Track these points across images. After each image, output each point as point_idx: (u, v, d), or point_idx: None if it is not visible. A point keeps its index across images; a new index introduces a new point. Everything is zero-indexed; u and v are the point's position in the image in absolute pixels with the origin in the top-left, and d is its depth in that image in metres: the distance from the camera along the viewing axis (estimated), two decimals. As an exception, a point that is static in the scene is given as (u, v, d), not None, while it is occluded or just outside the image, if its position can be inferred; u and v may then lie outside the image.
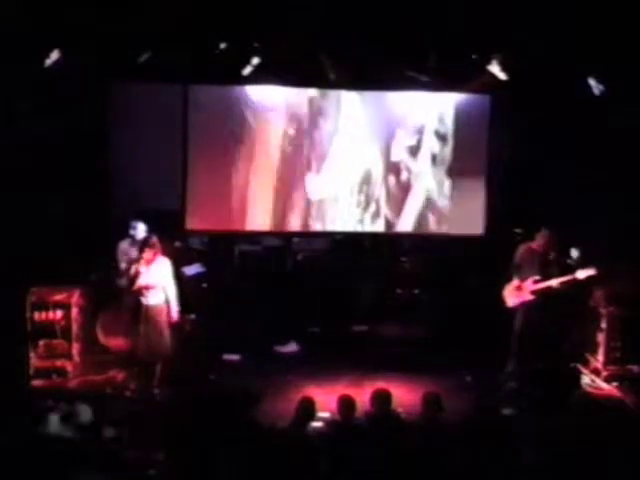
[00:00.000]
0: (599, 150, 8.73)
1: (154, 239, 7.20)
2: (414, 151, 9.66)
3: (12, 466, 4.64)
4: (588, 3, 7.14)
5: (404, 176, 9.69)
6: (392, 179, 9.69)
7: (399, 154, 9.65)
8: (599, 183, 8.79)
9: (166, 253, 7.34)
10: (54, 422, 5.26)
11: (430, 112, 9.64)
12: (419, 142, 9.66)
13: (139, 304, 7.16)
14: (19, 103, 7.96)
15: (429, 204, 9.72)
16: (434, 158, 9.68)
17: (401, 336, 8.82)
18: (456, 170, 9.67)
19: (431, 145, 9.67)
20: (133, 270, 7.10)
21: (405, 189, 9.70)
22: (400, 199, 9.70)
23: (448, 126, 9.65)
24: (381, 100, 9.66)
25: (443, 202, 9.73)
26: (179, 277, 8.28)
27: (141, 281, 7.09)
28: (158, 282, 7.16)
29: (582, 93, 8.37)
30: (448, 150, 9.68)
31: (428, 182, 9.69)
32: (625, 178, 8.56)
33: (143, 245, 7.21)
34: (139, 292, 7.13)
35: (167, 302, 7.24)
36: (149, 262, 7.11)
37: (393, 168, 9.67)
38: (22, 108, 8.02)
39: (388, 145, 9.62)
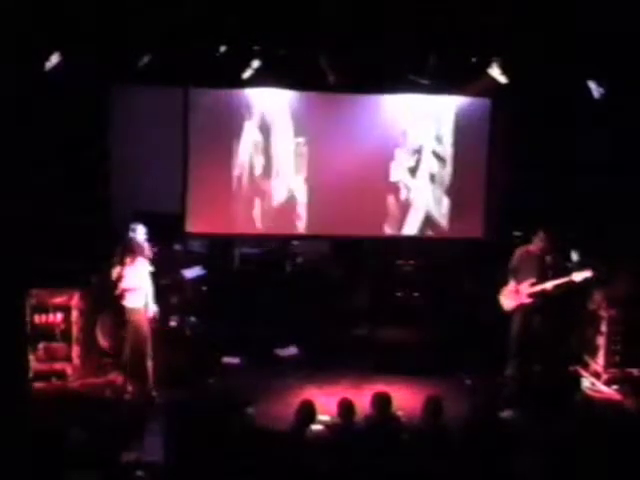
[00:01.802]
0: (599, 152, 8.75)
1: (134, 242, 7.23)
2: (412, 171, 9.72)
3: (12, 467, 4.65)
4: (588, 6, 7.14)
5: (403, 194, 9.74)
6: (391, 198, 9.71)
7: (398, 174, 9.69)
8: (599, 186, 8.80)
9: (147, 255, 7.34)
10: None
11: (429, 132, 9.69)
12: (418, 162, 9.71)
13: (122, 307, 7.20)
14: (19, 106, 7.96)
15: (428, 220, 9.79)
16: (432, 177, 9.75)
17: (401, 339, 8.81)
18: (455, 186, 9.72)
19: (430, 165, 9.74)
20: (115, 274, 7.13)
21: (405, 207, 9.75)
22: (400, 217, 9.76)
23: (446, 145, 9.71)
24: (380, 109, 9.66)
25: (442, 217, 9.80)
26: (179, 280, 8.33)
27: (124, 284, 7.12)
28: (139, 284, 7.20)
29: (582, 96, 8.39)
30: (447, 170, 9.74)
31: (427, 199, 9.75)
32: (625, 180, 8.57)
33: (124, 249, 7.24)
34: (121, 295, 7.16)
35: (147, 304, 7.29)
36: (130, 265, 7.14)
37: (392, 188, 9.70)
38: (22, 110, 8.02)
39: (387, 159, 9.64)
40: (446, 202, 9.77)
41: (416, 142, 9.70)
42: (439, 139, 9.72)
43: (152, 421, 6.51)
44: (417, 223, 9.79)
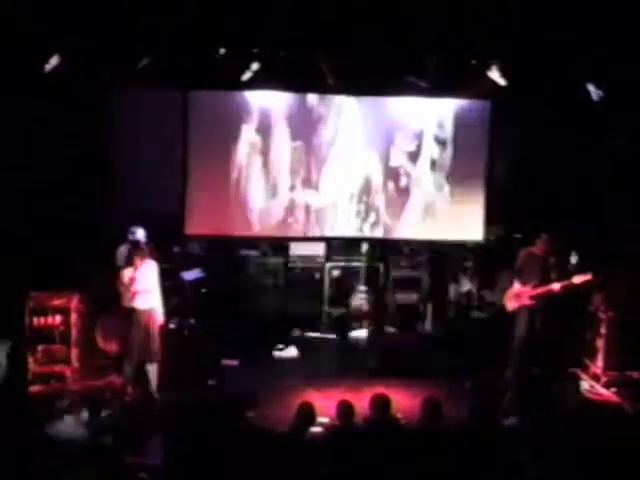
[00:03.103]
0: (599, 155, 8.76)
1: (142, 245, 7.23)
2: (413, 156, 9.69)
3: (12, 469, 4.65)
4: (588, 9, 7.15)
5: (403, 182, 9.71)
6: (391, 185, 9.70)
7: (398, 159, 9.67)
8: (599, 188, 8.81)
9: (154, 257, 7.36)
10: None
11: (429, 117, 9.67)
12: (419, 148, 9.68)
13: (131, 310, 7.20)
14: (20, 108, 7.97)
15: (428, 209, 9.74)
16: (433, 163, 9.71)
17: (400, 341, 8.81)
18: (456, 175, 9.69)
19: (431, 150, 9.69)
20: (126, 277, 7.13)
21: (404, 194, 9.72)
22: (399, 205, 9.72)
23: (448, 131, 9.68)
24: (380, 106, 9.68)
25: (442, 207, 9.74)
26: (179, 282, 8.31)
27: (134, 286, 7.12)
28: (149, 286, 7.22)
29: (581, 99, 8.40)
30: (448, 155, 9.70)
31: (427, 187, 9.71)
32: (625, 183, 8.58)
33: (132, 251, 7.26)
34: (132, 298, 7.16)
35: (157, 305, 7.30)
36: (140, 268, 7.15)
37: (392, 173, 9.69)
38: (22, 112, 8.03)
39: (387, 151, 9.65)
40: (447, 189, 9.73)
41: (417, 129, 9.68)
42: (441, 125, 9.69)
43: (153, 423, 6.50)
44: (417, 211, 9.75)
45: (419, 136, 9.66)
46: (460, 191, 9.69)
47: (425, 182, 9.71)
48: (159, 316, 7.37)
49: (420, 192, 9.72)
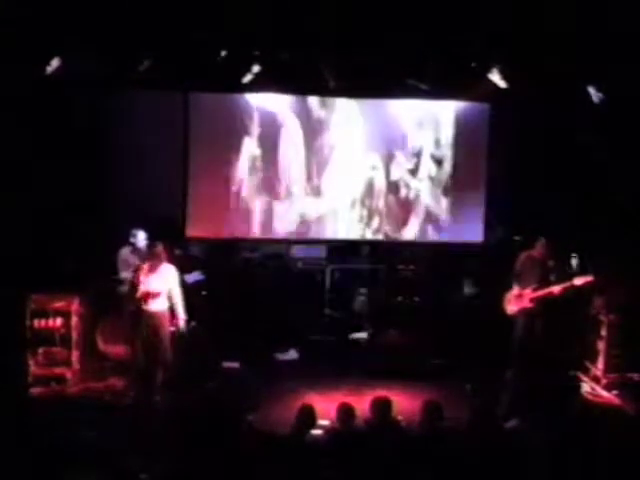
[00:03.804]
0: (599, 158, 8.76)
1: (159, 247, 7.20)
2: (413, 172, 9.75)
3: (12, 472, 4.65)
4: (588, 11, 7.15)
5: (403, 193, 9.75)
6: (391, 196, 9.73)
7: (398, 173, 9.71)
8: (599, 191, 8.81)
9: (170, 260, 7.37)
10: None
11: (431, 119, 9.70)
12: (417, 165, 9.74)
13: (140, 311, 7.15)
14: (21, 108, 7.97)
15: (429, 218, 9.80)
16: (432, 179, 9.77)
17: (401, 344, 8.80)
18: (455, 183, 9.75)
19: (428, 168, 9.76)
20: (136, 278, 7.10)
21: (405, 205, 9.77)
22: (400, 215, 9.77)
23: (449, 135, 9.71)
24: (381, 108, 9.68)
25: (442, 216, 9.81)
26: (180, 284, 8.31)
27: (144, 288, 7.08)
28: (162, 289, 7.17)
29: (582, 101, 8.40)
30: (445, 172, 9.75)
31: (427, 198, 9.77)
32: (625, 186, 8.57)
33: (148, 253, 7.23)
34: (142, 299, 7.12)
35: (170, 309, 7.25)
36: (153, 269, 7.11)
37: (393, 186, 9.73)
38: (23, 113, 8.04)
39: (388, 160, 9.68)
40: (445, 202, 9.78)
41: (416, 146, 9.72)
42: (438, 143, 9.72)
43: (153, 425, 6.50)
44: (418, 220, 9.78)
45: (417, 155, 9.72)
46: (461, 194, 9.72)
47: (424, 193, 9.75)
48: (179, 321, 7.28)
49: (420, 202, 9.77)
